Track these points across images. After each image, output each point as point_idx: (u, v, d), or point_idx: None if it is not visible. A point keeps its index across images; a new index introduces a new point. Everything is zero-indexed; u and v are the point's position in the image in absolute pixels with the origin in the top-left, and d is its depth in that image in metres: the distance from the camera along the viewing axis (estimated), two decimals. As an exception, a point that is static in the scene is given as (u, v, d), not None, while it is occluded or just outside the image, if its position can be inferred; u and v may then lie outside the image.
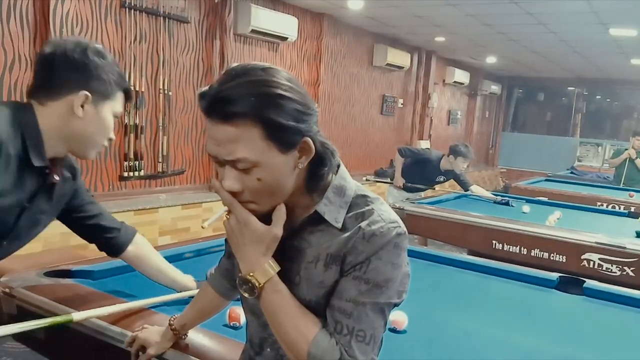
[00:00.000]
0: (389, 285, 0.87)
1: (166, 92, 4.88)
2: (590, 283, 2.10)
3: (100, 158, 4.41)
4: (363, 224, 0.89)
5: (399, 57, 8.06)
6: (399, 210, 4.00)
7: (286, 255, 0.92)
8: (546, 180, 6.91)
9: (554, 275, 2.19)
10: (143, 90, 4.67)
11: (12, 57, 3.76)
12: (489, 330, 1.73)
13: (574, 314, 1.95)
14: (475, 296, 2.11)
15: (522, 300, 2.08)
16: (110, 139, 1.38)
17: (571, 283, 2.14)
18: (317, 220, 0.91)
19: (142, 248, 1.63)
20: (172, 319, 1.29)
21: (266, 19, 5.52)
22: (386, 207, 0.94)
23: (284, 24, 5.78)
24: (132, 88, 4.52)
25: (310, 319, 0.88)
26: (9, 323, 1.45)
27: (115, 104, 1.35)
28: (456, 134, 11.12)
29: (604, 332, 1.80)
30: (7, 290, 1.71)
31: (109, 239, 1.58)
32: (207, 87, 0.84)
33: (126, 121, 4.55)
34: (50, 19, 3.89)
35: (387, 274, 0.87)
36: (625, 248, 3.03)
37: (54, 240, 3.64)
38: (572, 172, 8.67)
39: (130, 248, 1.61)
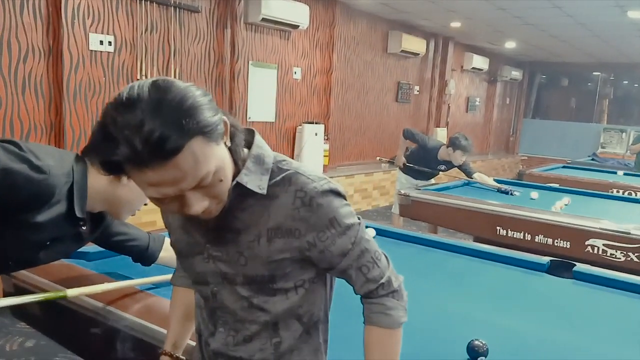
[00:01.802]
0: (350, 218, 0.94)
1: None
2: (579, 267, 2.09)
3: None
4: (298, 192, 0.90)
5: (414, 44, 7.98)
6: (405, 197, 4.01)
7: (225, 238, 0.93)
8: (564, 167, 6.78)
9: (545, 259, 2.18)
10: (154, 79, 4.75)
11: (25, 48, 3.88)
12: (476, 313, 1.74)
13: (563, 297, 1.94)
14: (465, 280, 2.11)
15: (512, 283, 2.08)
16: (145, 204, 1.49)
17: (562, 267, 2.13)
18: (243, 194, 0.91)
19: (173, 253, 1.72)
20: (161, 351, 1.22)
21: (277, 7, 5.54)
22: (305, 166, 0.96)
23: (295, 11, 5.78)
24: (144, 78, 4.62)
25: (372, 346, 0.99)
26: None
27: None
28: (475, 121, 10.98)
29: (592, 315, 1.80)
30: (5, 269, 1.80)
31: (140, 253, 1.69)
32: (120, 144, 0.75)
33: (138, 110, 4.65)
34: (62, 11, 3.99)
35: (344, 218, 0.93)
36: (629, 234, 2.98)
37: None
38: (593, 159, 8.47)
39: (162, 255, 1.71)
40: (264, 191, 0.91)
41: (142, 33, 4.59)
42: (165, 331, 1.28)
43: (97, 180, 1.38)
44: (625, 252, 3.01)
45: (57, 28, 4.02)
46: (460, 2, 6.11)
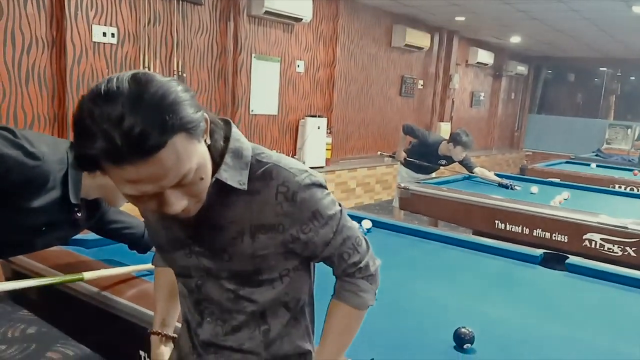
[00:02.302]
0: (332, 208, 0.95)
1: (180, 73, 4.99)
2: (572, 259, 2.11)
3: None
4: (280, 187, 0.89)
5: (419, 38, 7.96)
6: (404, 190, 4.02)
7: (207, 235, 0.92)
8: (567, 162, 6.77)
9: (539, 252, 2.20)
10: (157, 71, 4.78)
11: (29, 39, 3.91)
12: (466, 302, 1.76)
13: (554, 288, 1.96)
14: (458, 271, 2.14)
15: (504, 275, 2.10)
16: None
17: (555, 259, 2.14)
18: (224, 190, 0.89)
19: None
20: (150, 330, 1.23)
21: (280, 0, 5.54)
22: (286, 158, 0.94)
23: (298, 4, 5.78)
24: (147, 70, 4.65)
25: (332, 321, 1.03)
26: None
27: None
28: (479, 116, 10.94)
29: (582, 306, 1.82)
30: (4, 255, 1.84)
31: (135, 240, 1.74)
32: (98, 138, 0.72)
33: (141, 102, 4.68)
34: (65, 3, 4.01)
35: (326, 209, 0.94)
36: (627, 228, 2.98)
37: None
38: (597, 155, 8.44)
39: None
40: (245, 187, 0.89)
41: (145, 25, 4.61)
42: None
43: None
44: (622, 247, 3.02)
45: (60, 20, 4.04)
46: (464, -5, 6.09)
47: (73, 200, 1.40)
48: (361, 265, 1.00)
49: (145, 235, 1.72)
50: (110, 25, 4.37)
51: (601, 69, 12.23)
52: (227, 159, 0.89)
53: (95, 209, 1.57)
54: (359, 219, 2.54)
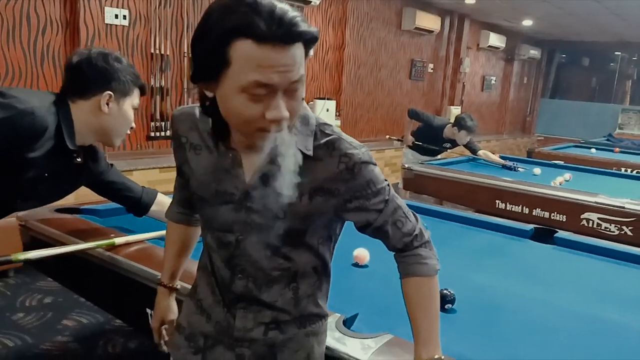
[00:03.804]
0: (383, 181, 1.01)
1: (190, 55, 5.07)
2: (560, 233, 2.19)
3: (128, 118, 4.68)
4: (342, 157, 0.95)
5: (429, 21, 7.94)
6: (408, 171, 4.10)
7: (267, 193, 0.95)
8: (575, 146, 6.77)
9: (529, 226, 2.28)
10: (168, 53, 4.87)
11: (44, 21, 4.03)
12: (453, 270, 1.83)
13: (539, 260, 2.05)
14: (449, 242, 2.21)
15: (494, 247, 2.18)
16: (132, 128, 1.64)
17: (544, 233, 2.22)
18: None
19: (165, 207, 1.84)
20: (159, 280, 1.29)
21: (289, -17, 5.58)
22: (345, 134, 1.00)
23: (308, -13, 5.82)
24: (158, 52, 4.75)
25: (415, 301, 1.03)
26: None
27: (134, 99, 1.61)
28: (490, 100, 10.90)
29: (566, 275, 1.91)
30: (22, 223, 1.97)
31: (133, 203, 1.85)
32: (270, 12, 0.80)
33: (152, 84, 4.80)
34: (78, -15, 4.12)
35: (378, 180, 1.00)
36: (624, 208, 3.04)
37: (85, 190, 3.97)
38: (608, 140, 8.40)
39: (153, 208, 1.87)
40: (311, 152, 0.94)
41: (156, 7, 4.69)
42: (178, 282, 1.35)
43: (81, 115, 1.53)
44: (619, 226, 3.08)
45: (74, 2, 4.14)
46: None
47: (70, 145, 1.50)
48: (416, 232, 1.04)
49: (142, 199, 1.83)
50: (122, 7, 4.46)
51: (616, 53, 12.05)
52: (297, 123, 0.95)
53: (94, 157, 1.68)
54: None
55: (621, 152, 6.45)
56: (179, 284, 1.30)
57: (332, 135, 0.97)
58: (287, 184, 0.91)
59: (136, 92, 1.61)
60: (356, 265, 1.78)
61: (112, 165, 1.81)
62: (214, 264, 1.06)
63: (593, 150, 6.48)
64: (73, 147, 1.52)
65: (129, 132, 1.64)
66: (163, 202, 1.87)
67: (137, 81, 1.60)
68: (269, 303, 1.02)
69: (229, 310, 1.05)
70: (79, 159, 1.59)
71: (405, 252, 1.04)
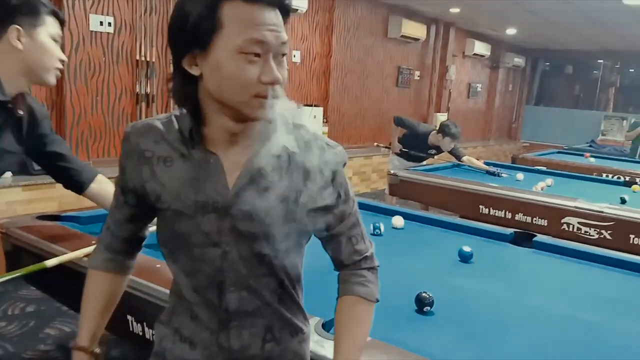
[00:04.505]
0: (352, 191, 1.02)
1: (169, 36, 5.05)
2: (539, 237, 2.22)
3: (113, 125, 4.68)
4: (321, 157, 0.94)
5: (415, 29, 8.02)
6: (393, 177, 4.14)
7: (253, 196, 0.91)
8: (558, 152, 6.87)
9: (509, 230, 2.31)
10: (154, 60, 4.87)
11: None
12: (432, 273, 1.88)
13: (518, 263, 2.09)
14: (429, 246, 2.25)
15: (477, 251, 2.19)
16: (61, 60, 1.49)
17: (524, 237, 2.26)
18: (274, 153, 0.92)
19: (105, 186, 1.79)
20: (76, 344, 1.08)
21: (275, -9, 5.61)
22: (321, 134, 1.01)
23: (294, -5, 5.87)
24: (143, 58, 4.75)
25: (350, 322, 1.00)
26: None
27: (49, 28, 1.45)
28: (476, 107, 11.02)
29: (542, 278, 1.94)
30: (3, 231, 1.97)
31: (72, 177, 1.73)
32: None
33: (138, 90, 4.79)
34: (63, -8, 4.12)
35: (349, 187, 1.00)
36: (603, 212, 3.10)
37: (68, 199, 3.95)
38: (590, 146, 8.55)
39: (93, 185, 1.76)
40: (296, 150, 0.93)
41: (141, 15, 4.70)
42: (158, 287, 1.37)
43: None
44: (598, 230, 3.13)
45: (58, 8, 4.14)
46: (458, -13, 6.16)
47: (0, 97, 1.40)
48: (367, 254, 1.02)
49: (82, 175, 1.72)
50: (107, 14, 4.46)
51: (599, 61, 12.28)
52: (278, 122, 0.92)
53: (35, 116, 1.57)
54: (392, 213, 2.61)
55: (592, 156, 6.56)
56: (98, 348, 1.09)
57: (309, 134, 0.97)
58: (274, 184, 0.91)
59: (50, 21, 1.45)
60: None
61: (63, 140, 1.73)
62: (192, 287, 0.97)
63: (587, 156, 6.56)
64: (5, 98, 1.42)
65: (60, 65, 1.49)
66: (103, 181, 1.79)
67: (45, 8, 1.44)
68: (261, 312, 0.97)
69: (219, 332, 0.97)
70: (20, 112, 1.48)
71: (351, 270, 1.01)
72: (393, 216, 2.51)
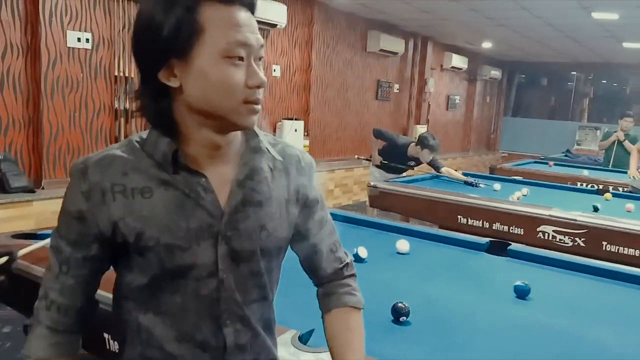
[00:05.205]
0: (325, 202, 1.03)
1: (136, 51, 5.04)
2: (513, 246, 2.27)
3: (92, 141, 4.64)
4: (297, 163, 0.96)
5: (393, 43, 8.16)
6: (373, 189, 4.18)
7: (246, 212, 0.88)
8: (535, 162, 7.00)
9: (484, 240, 2.36)
10: (132, 76, 4.86)
11: (4, 45, 3.99)
12: (408, 283, 1.90)
13: (492, 272, 2.12)
14: (406, 257, 2.27)
15: (450, 261, 2.25)
16: None
17: (498, 246, 2.30)
18: (261, 166, 0.91)
19: None
20: None
21: (254, 6, 5.66)
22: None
23: (273, 10, 5.92)
24: (122, 74, 4.74)
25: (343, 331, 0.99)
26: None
27: None
28: (455, 119, 11.19)
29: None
30: (-23, 248, 1.94)
31: None
32: None
33: (116, 106, 4.77)
34: (40, 8, 4.09)
35: (322, 199, 1.01)
36: (576, 220, 3.17)
37: (46, 216, 3.90)
38: (566, 155, 8.74)
39: None
40: (280, 159, 0.93)
41: (119, 31, 4.70)
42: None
43: None
44: (572, 238, 3.20)
45: (35, 25, 4.12)
46: (433, 3, 6.29)
47: None
48: (347, 261, 1.04)
49: None
50: (85, 30, 4.46)
51: (572, 73, 12.62)
52: (256, 131, 0.92)
53: None
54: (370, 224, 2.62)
55: (556, 164, 6.74)
56: None
57: (281, 143, 0.97)
58: (266, 197, 0.89)
59: None
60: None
61: None
62: (176, 337, 0.86)
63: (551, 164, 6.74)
64: None
65: None
66: None
67: None
68: (250, 345, 0.91)
69: None
70: None
71: (335, 281, 1.01)
72: (397, 241, 2.33)
